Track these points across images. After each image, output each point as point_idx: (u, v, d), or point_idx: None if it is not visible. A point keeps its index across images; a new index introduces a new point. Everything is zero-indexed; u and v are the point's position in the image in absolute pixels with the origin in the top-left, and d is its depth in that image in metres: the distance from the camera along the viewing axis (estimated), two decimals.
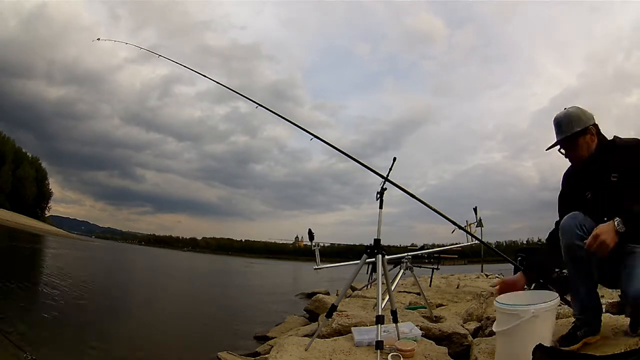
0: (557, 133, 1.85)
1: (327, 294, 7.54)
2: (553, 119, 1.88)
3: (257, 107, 3.35)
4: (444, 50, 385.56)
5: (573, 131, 1.78)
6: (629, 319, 1.80)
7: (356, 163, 2.89)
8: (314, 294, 7.12)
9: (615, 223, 1.52)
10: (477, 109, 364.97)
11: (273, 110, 3.33)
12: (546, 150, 1.90)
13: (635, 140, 1.75)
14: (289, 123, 3.23)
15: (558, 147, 1.88)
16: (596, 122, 1.82)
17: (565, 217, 1.77)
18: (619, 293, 2.41)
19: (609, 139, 1.82)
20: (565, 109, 1.87)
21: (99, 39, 4.56)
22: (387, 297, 2.39)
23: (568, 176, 1.97)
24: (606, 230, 1.51)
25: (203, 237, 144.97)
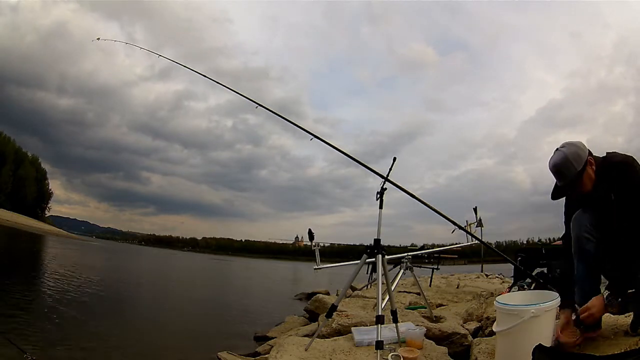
0: (560, 179, 1.76)
1: (327, 294, 7.51)
2: (549, 164, 1.77)
3: (257, 107, 3.35)
4: (436, 73, 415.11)
5: (577, 171, 1.71)
6: (628, 319, 1.79)
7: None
8: (314, 294, 7.10)
9: (605, 298, 1.67)
10: (468, 120, 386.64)
11: (273, 110, 3.33)
12: (553, 199, 1.81)
13: (622, 160, 1.73)
14: (290, 123, 3.24)
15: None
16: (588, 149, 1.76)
17: (578, 210, 1.81)
18: None
19: (600, 156, 1.78)
20: (557, 149, 1.76)
21: (98, 39, 4.55)
22: (387, 297, 2.39)
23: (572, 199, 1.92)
24: (596, 305, 1.67)
25: (203, 237, 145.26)
